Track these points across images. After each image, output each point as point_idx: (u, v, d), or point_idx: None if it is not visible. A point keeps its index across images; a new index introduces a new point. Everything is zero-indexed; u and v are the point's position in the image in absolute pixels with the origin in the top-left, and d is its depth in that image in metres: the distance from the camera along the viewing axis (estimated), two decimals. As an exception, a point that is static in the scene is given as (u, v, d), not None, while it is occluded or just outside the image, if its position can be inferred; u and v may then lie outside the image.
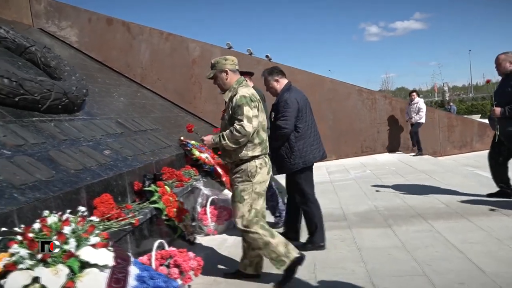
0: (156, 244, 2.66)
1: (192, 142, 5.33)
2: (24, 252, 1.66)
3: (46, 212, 1.89)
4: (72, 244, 1.72)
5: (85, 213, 2.14)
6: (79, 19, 7.48)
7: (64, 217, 1.87)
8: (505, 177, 4.55)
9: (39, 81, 3.59)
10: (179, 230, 3.29)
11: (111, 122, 4.52)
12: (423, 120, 8.82)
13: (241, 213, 2.78)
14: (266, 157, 2.88)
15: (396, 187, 5.53)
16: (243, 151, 2.75)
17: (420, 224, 3.80)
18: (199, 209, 4.16)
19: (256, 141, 2.77)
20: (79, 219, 1.92)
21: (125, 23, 7.75)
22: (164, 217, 3.22)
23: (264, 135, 2.84)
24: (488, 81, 4.56)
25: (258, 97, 2.81)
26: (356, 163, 8.17)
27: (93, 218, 2.06)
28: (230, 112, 2.76)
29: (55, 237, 1.71)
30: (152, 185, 3.37)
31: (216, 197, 4.24)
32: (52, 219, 1.83)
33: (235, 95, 2.74)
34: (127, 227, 2.73)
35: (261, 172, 2.79)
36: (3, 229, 1.90)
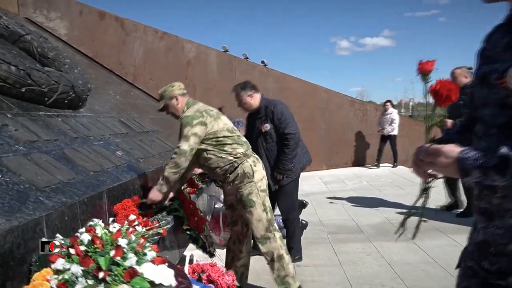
0: (188, 257, 2.41)
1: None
2: (76, 269, 1.38)
3: (95, 220, 1.60)
4: (132, 260, 1.45)
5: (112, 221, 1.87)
6: (70, 11, 7.04)
7: (114, 226, 1.60)
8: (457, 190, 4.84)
9: (46, 71, 3.25)
10: (200, 241, 3.03)
11: (114, 121, 4.19)
12: (395, 132, 8.77)
13: (258, 216, 2.73)
14: (254, 154, 2.90)
15: (400, 199, 5.47)
16: (223, 159, 2.75)
17: (441, 238, 3.72)
18: (208, 218, 3.90)
19: (228, 141, 2.76)
20: (130, 229, 1.65)
21: (119, 18, 7.38)
22: (185, 227, 2.95)
23: (235, 136, 2.84)
24: None
25: (206, 108, 2.80)
26: (349, 174, 8.11)
27: (139, 228, 1.79)
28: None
29: (112, 252, 1.43)
30: (171, 191, 3.09)
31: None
32: (100, 229, 1.55)
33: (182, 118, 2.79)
34: (155, 237, 2.45)
35: (258, 169, 2.78)
36: (43, 239, 1.60)
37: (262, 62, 8.64)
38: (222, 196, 4.18)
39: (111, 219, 2.24)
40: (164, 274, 1.51)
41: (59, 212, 1.94)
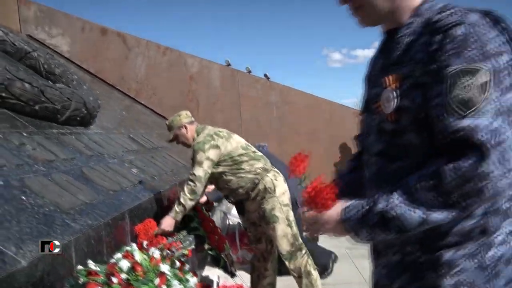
0: (215, 280, 2.30)
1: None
2: (120, 299, 1.28)
3: (132, 245, 1.50)
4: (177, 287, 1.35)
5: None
6: (72, 28, 6.97)
7: (155, 252, 1.49)
8: None
9: (58, 88, 3.16)
10: (222, 261, 2.92)
11: (124, 137, 4.10)
12: None
13: (282, 232, 2.66)
14: (274, 168, 2.84)
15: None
16: (243, 178, 2.69)
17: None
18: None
19: (245, 158, 2.73)
20: (165, 253, 1.54)
21: (121, 34, 7.32)
22: (207, 246, 2.84)
23: (250, 152, 2.81)
24: None
25: (215, 130, 2.81)
26: (355, 187, 8.04)
27: (175, 249, 1.69)
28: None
29: (157, 280, 1.33)
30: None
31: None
32: (139, 254, 1.45)
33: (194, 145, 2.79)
34: (182, 259, 2.33)
35: (279, 183, 2.73)
36: (79, 267, 1.49)
37: (265, 75, 8.61)
38: (234, 211, 4.07)
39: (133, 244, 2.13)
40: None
41: (86, 236, 1.83)
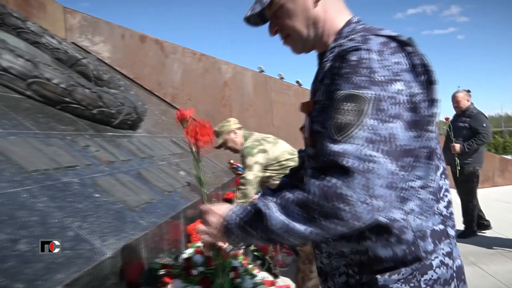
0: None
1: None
2: (199, 290, 1.38)
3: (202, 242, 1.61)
4: (248, 282, 1.44)
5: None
6: (113, 35, 7.27)
7: (228, 247, 1.60)
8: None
9: (113, 93, 3.35)
10: (266, 262, 3.00)
11: (168, 141, 4.26)
12: None
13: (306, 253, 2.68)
14: None
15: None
16: None
17: (507, 263, 3.58)
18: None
19: (291, 163, 2.80)
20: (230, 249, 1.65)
21: (159, 41, 7.58)
22: (252, 248, 2.94)
23: (296, 157, 2.80)
24: (446, 119, 4.87)
25: (263, 136, 2.98)
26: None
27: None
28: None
29: (231, 274, 1.43)
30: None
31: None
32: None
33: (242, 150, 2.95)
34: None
35: None
36: (161, 258, 1.61)
37: (297, 82, 8.69)
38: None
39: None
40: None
41: (152, 232, 1.96)
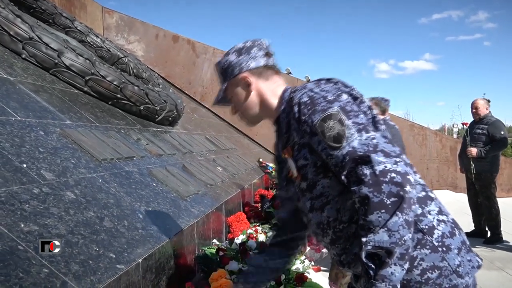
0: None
1: (271, 165, 5.22)
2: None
3: (258, 228, 1.77)
4: (299, 266, 1.59)
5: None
6: (147, 35, 7.55)
7: (271, 234, 1.76)
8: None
9: (157, 91, 3.55)
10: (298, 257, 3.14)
11: (202, 138, 4.45)
12: None
13: None
14: None
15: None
16: None
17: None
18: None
19: None
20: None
21: (190, 41, 7.82)
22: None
23: None
24: (465, 124, 4.95)
25: None
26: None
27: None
28: None
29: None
30: (271, 207, 3.24)
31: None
32: (264, 236, 1.72)
33: None
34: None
35: None
36: (214, 241, 1.78)
37: (306, 77, 8.78)
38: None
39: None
40: (321, 281, 1.64)
41: (202, 220, 2.14)
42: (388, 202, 0.88)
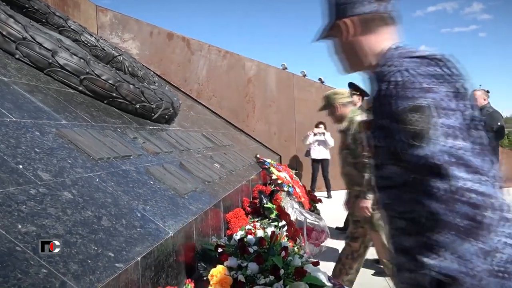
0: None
1: (269, 160, 5.23)
2: (254, 266, 1.54)
3: (256, 224, 1.77)
4: (298, 261, 1.60)
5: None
6: (141, 32, 7.51)
7: (270, 230, 1.76)
8: None
9: (153, 89, 3.54)
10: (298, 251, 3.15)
11: (199, 135, 4.45)
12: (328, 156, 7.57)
13: (382, 242, 2.71)
14: None
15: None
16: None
17: None
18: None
19: None
20: (279, 232, 1.81)
21: (185, 38, 7.79)
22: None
23: None
24: None
25: None
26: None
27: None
28: (351, 141, 2.84)
29: (283, 253, 1.59)
30: (269, 202, 3.25)
31: (311, 217, 4.11)
32: (262, 232, 1.72)
33: (352, 124, 2.85)
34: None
35: None
36: (213, 238, 1.78)
37: (320, 79, 8.79)
38: (305, 212, 4.29)
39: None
40: (321, 276, 1.65)
41: (201, 217, 2.14)
42: (461, 224, 0.80)
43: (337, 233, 4.89)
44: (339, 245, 4.29)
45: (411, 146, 0.86)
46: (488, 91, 4.91)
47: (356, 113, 2.93)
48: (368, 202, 2.69)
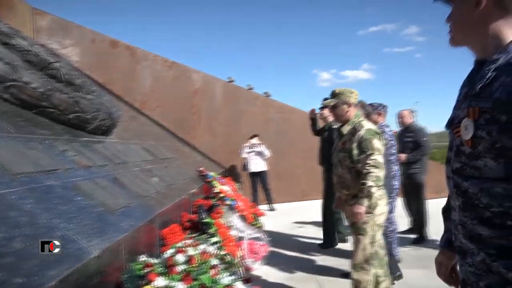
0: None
1: (212, 173, 5.18)
2: (181, 286, 1.50)
3: (186, 242, 1.73)
4: (228, 278, 1.58)
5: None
6: (83, 39, 7.20)
7: (202, 248, 1.73)
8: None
9: (89, 99, 3.39)
10: (236, 266, 3.12)
11: (139, 147, 4.31)
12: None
13: (363, 246, 2.74)
14: (383, 188, 2.82)
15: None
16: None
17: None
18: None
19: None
20: (214, 250, 1.78)
21: (130, 47, 7.58)
22: (222, 252, 3.05)
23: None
24: (394, 132, 5.59)
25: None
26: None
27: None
28: (354, 145, 2.74)
29: (211, 271, 1.56)
30: (208, 217, 3.21)
31: (251, 231, 4.10)
32: (193, 250, 1.68)
33: (359, 129, 2.76)
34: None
35: (381, 204, 2.76)
36: (143, 258, 1.70)
37: (265, 93, 8.92)
38: (245, 226, 4.28)
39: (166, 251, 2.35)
40: (252, 292, 1.64)
41: (132, 234, 2.05)
42: None
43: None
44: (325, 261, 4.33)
45: None
46: (413, 111, 5.33)
47: (360, 118, 2.86)
48: (363, 208, 2.68)
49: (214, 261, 1.62)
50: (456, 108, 1.11)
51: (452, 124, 1.10)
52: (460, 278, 1.13)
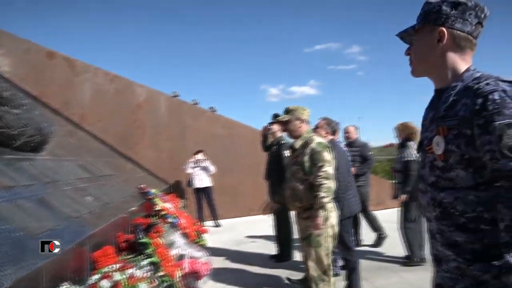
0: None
1: (153, 190, 5.02)
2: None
3: (114, 266, 1.64)
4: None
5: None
6: (16, 48, 6.77)
7: (130, 272, 1.64)
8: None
9: (15, 114, 3.17)
10: (174, 286, 3.02)
11: (74, 164, 4.09)
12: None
13: (318, 258, 2.81)
14: (334, 201, 2.95)
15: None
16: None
17: (391, 276, 4.05)
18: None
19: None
20: (144, 274, 1.70)
21: (69, 58, 7.23)
22: (160, 273, 2.94)
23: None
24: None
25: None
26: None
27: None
28: (306, 158, 2.85)
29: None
30: (145, 237, 3.09)
31: (193, 249, 4.00)
32: (119, 275, 1.59)
33: (310, 142, 2.89)
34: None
35: (333, 216, 2.87)
36: (64, 286, 1.58)
37: (211, 108, 8.88)
38: (187, 244, 4.17)
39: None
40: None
41: (56, 259, 1.92)
42: None
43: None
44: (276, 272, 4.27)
45: (506, 157, 0.97)
46: (357, 128, 5.61)
47: (311, 133, 3.02)
48: (320, 219, 2.76)
49: (143, 286, 1.55)
50: (424, 131, 1.27)
51: (423, 144, 1.25)
52: (436, 283, 1.24)
